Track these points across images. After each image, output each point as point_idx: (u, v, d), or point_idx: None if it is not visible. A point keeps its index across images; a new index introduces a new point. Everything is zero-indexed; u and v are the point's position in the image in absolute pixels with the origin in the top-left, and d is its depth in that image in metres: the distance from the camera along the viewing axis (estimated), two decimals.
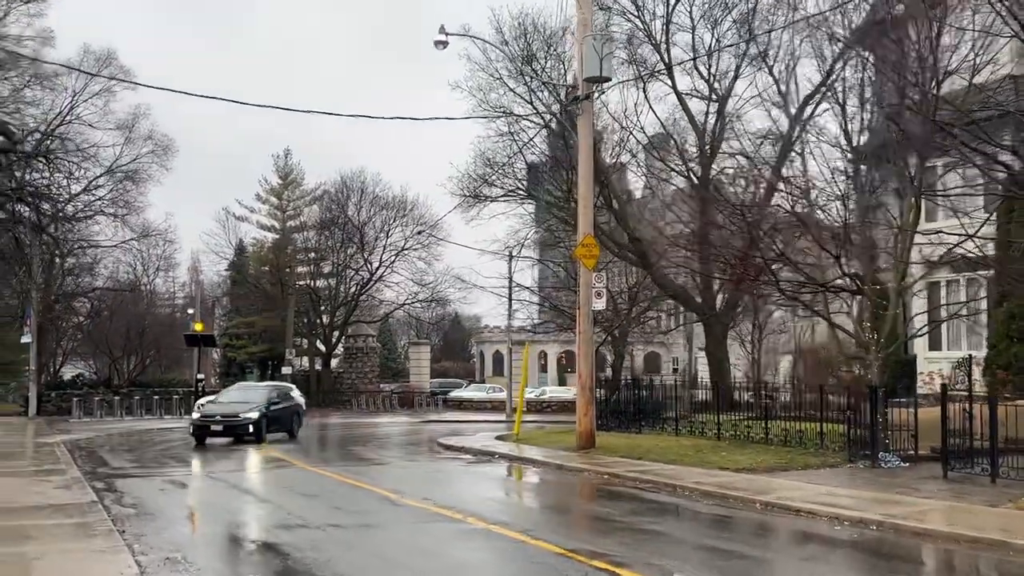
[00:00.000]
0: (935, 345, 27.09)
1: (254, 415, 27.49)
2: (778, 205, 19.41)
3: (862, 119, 18.64)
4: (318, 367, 65.97)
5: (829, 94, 20.60)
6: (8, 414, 46.91)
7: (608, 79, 23.57)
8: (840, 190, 20.93)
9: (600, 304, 23.76)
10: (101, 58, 43.07)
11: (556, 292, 43.07)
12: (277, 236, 68.27)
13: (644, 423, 27.58)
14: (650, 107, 35.12)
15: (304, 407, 40.70)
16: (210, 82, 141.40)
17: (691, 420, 25.91)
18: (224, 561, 10.23)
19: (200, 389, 46.18)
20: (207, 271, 72.36)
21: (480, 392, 64.68)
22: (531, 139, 33.89)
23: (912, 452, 18.27)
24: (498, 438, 29.25)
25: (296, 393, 40.71)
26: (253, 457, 23.91)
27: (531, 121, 35.82)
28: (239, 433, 27.39)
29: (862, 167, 19.59)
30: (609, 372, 59.70)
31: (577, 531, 11.81)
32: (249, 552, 10.69)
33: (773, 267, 18.50)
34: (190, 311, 76.27)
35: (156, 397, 45.94)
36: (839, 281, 19.55)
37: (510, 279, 51.22)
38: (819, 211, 21.01)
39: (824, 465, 18.36)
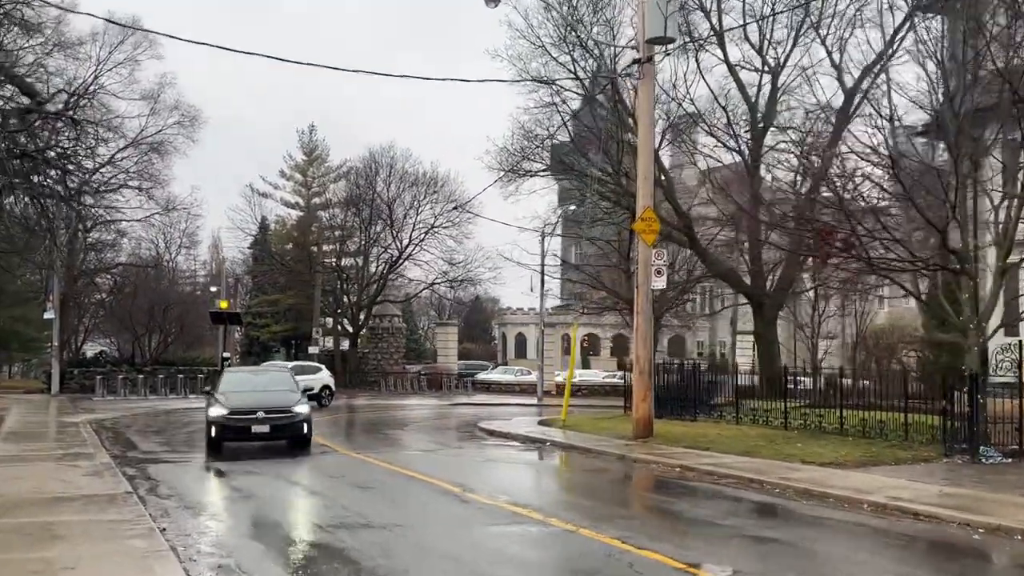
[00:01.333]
0: (1011, 331, 25.38)
1: (305, 408, 19.72)
2: (863, 175, 17.73)
3: (963, 80, 16.85)
4: (343, 347, 64.72)
5: (919, 50, 18.68)
6: (31, 391, 45.97)
7: (672, 40, 21.92)
8: (919, 159, 19.35)
9: (661, 282, 22.21)
10: (126, 27, 41.77)
11: (594, 269, 41.31)
12: (301, 213, 66.97)
13: (697, 410, 26.06)
14: (702, 77, 33.02)
15: (333, 388, 39.60)
16: (234, 55, 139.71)
17: (754, 408, 24.31)
18: (286, 570, 8.80)
19: (226, 368, 44.95)
20: (230, 249, 71.26)
21: (508, 375, 63.29)
22: (579, 109, 32.09)
23: (1016, 447, 16.69)
24: (541, 423, 27.85)
25: (325, 374, 39.63)
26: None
27: (575, 92, 34.18)
28: (290, 435, 19.62)
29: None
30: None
31: (681, 537, 10.31)
32: (311, 559, 9.26)
33: (862, 241, 16.81)
34: (213, 288, 75.20)
35: (181, 376, 44.73)
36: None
37: (542, 257, 49.74)
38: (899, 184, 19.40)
39: (917, 459, 16.78)
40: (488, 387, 58.26)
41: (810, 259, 26.21)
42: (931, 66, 17.46)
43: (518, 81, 31.23)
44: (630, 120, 31.85)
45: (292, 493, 14.03)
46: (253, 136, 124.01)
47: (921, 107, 17.88)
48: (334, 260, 58.48)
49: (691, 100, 34.18)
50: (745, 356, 46.44)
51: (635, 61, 22.21)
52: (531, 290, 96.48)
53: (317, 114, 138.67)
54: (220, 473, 15.97)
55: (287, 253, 65.19)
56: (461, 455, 20.35)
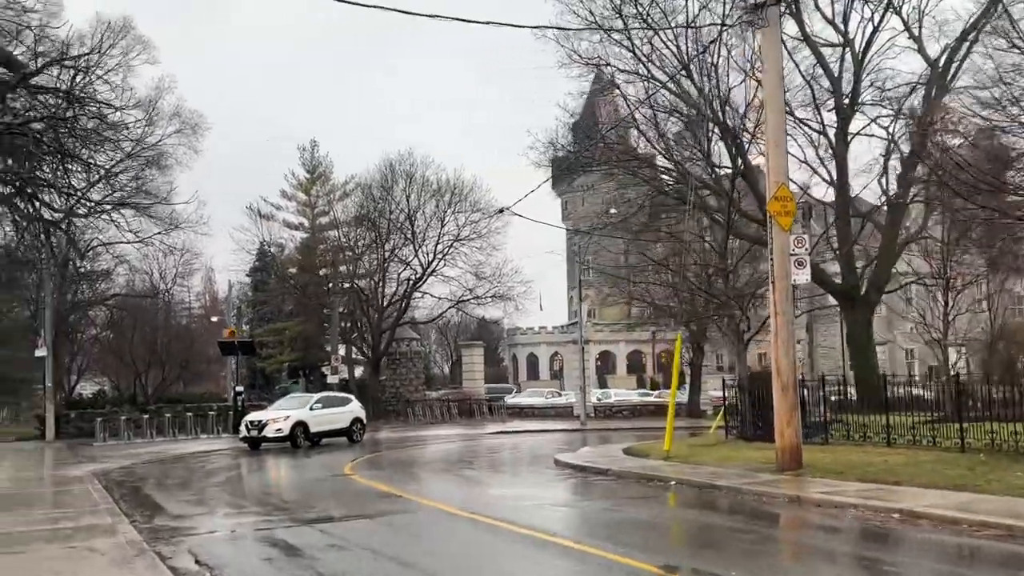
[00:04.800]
0: None
1: None
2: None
3: None
4: (357, 374, 60.35)
5: None
6: (24, 438, 41.25)
7: None
8: None
9: (804, 275, 17.99)
10: (116, 28, 37.68)
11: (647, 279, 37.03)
12: (306, 235, 62.71)
13: (828, 431, 21.83)
14: (787, 52, 28.82)
15: (364, 421, 35.27)
16: (224, 60, 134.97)
17: (912, 427, 20.05)
18: None
19: (240, 404, 40.53)
20: (232, 272, 66.83)
21: (538, 398, 59.08)
22: (667, 81, 27.73)
23: None
24: (630, 453, 23.54)
25: (355, 405, 35.30)
26: (348, 490, 18.27)
27: (636, 73, 30.11)
28: None
29: None
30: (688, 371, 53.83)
31: None
32: None
33: None
34: (214, 319, 70.70)
35: (189, 414, 40.18)
36: None
37: (579, 265, 45.63)
38: None
39: None
40: (520, 412, 53.94)
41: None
42: None
43: (571, 29, 27.07)
44: (708, 96, 27.82)
45: None
46: (256, 154, 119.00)
47: None
48: (348, 282, 54.09)
49: (758, 82, 30.25)
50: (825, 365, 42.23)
51: (757, 5, 18.11)
52: (540, 308, 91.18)
53: (320, 131, 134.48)
54: (290, 549, 11.54)
55: (292, 278, 60.91)
56: (583, 506, 16.03)
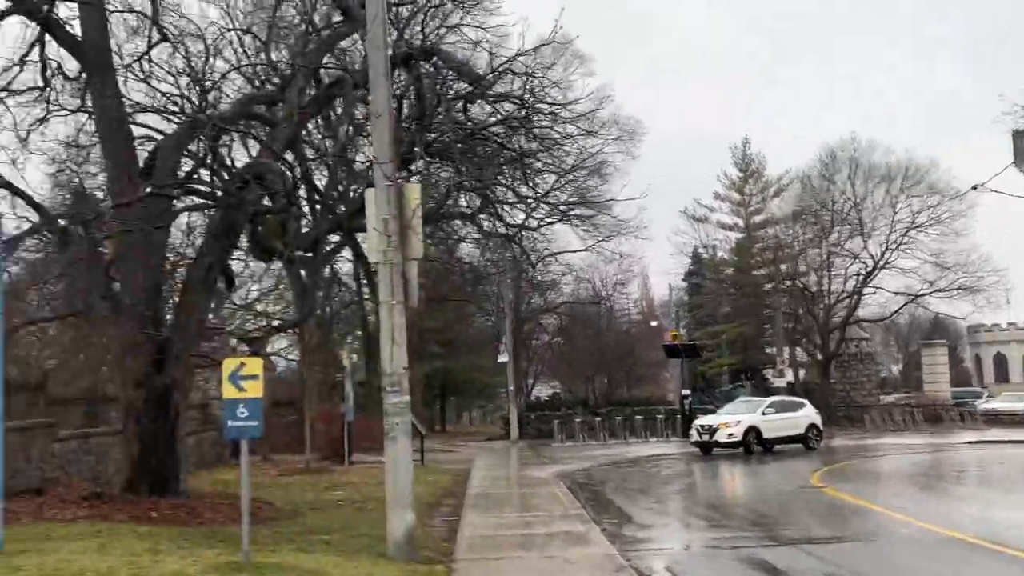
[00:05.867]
0: None
1: None
2: None
3: None
4: (801, 376, 57.37)
5: None
6: (492, 437, 44.87)
7: None
8: None
9: None
10: (557, 47, 39.26)
11: None
12: (740, 235, 61.19)
13: None
14: None
15: (820, 427, 32.90)
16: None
17: None
18: None
19: (688, 408, 40.14)
20: (669, 280, 67.35)
21: (1019, 403, 51.55)
22: None
23: None
24: None
25: (810, 410, 33.07)
26: (821, 504, 16.49)
27: None
28: None
29: None
30: None
31: None
32: None
33: None
34: (652, 323, 71.80)
35: (639, 417, 40.66)
36: None
37: None
38: None
39: None
40: (995, 418, 47.38)
41: None
42: None
43: None
44: None
45: None
46: (682, 157, 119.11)
47: None
48: (790, 280, 51.68)
49: None
50: None
51: None
52: (1007, 302, 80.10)
53: (748, 129, 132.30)
54: (770, 571, 10.23)
55: (727, 279, 59.75)
56: None
